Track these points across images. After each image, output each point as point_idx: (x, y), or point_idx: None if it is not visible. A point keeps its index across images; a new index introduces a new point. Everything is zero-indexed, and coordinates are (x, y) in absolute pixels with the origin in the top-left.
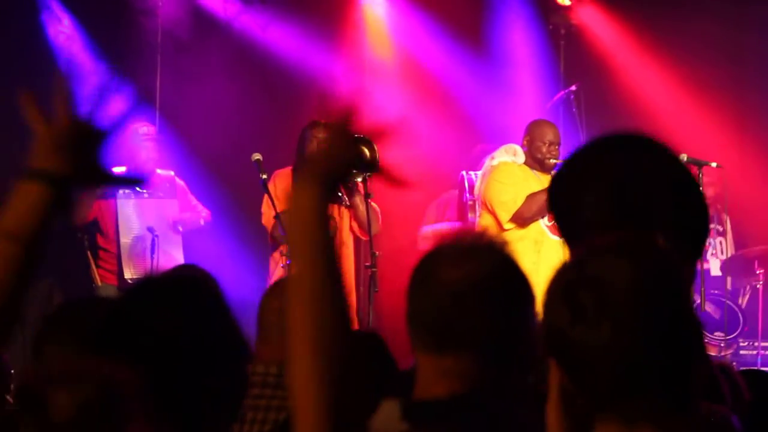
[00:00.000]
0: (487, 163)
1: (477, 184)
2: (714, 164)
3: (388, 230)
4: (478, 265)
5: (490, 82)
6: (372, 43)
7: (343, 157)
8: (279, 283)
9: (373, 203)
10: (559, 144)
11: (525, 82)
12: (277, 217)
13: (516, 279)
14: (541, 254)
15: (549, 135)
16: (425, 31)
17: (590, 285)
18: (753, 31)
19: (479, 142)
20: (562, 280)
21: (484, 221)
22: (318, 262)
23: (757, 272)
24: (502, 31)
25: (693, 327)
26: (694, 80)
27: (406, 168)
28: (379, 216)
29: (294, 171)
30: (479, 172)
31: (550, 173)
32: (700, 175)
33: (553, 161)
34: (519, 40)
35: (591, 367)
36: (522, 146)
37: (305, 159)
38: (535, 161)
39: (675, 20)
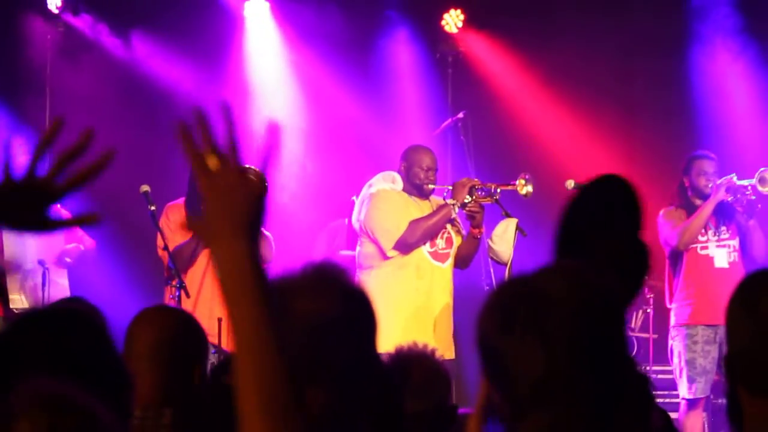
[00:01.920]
0: (365, 191)
1: (355, 212)
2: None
3: (279, 258)
4: (328, 297)
5: (379, 110)
6: (258, 69)
7: (245, 197)
8: (149, 311)
9: (265, 231)
10: (436, 169)
11: (413, 110)
12: (166, 249)
13: (366, 312)
14: (423, 280)
15: (426, 161)
16: (312, 58)
17: (524, 298)
18: (640, 54)
19: (368, 170)
20: (500, 292)
21: (366, 249)
22: (260, 326)
23: (648, 297)
24: (390, 60)
25: (619, 349)
26: (581, 107)
27: (297, 196)
28: (272, 243)
29: (186, 203)
30: (357, 200)
31: (428, 199)
32: None
33: (431, 186)
34: (406, 68)
35: (514, 378)
36: (399, 172)
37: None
38: (413, 187)
39: (561, 48)
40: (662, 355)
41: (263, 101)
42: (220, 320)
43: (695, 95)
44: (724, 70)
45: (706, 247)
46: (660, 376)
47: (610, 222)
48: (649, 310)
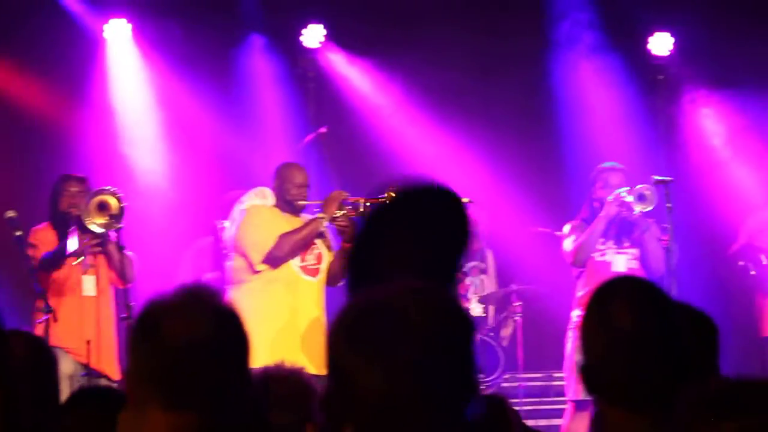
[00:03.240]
0: (237, 208)
1: (227, 229)
2: (465, 200)
3: (144, 280)
4: (201, 320)
5: (241, 127)
6: (120, 89)
7: None
8: None
9: (128, 252)
10: (308, 186)
11: (275, 126)
12: (35, 270)
13: (237, 331)
14: (296, 296)
15: (298, 177)
16: (174, 77)
17: (375, 317)
18: (501, 67)
19: (232, 187)
20: (352, 308)
21: (236, 264)
22: None
23: (515, 304)
24: (251, 76)
25: (466, 374)
26: (442, 120)
27: (161, 215)
28: (134, 264)
29: (51, 225)
30: (230, 216)
31: (299, 215)
32: None
33: (302, 203)
34: (268, 83)
35: (357, 398)
36: (272, 189)
37: (60, 213)
38: (285, 203)
39: (421, 62)
40: (532, 362)
41: (126, 122)
42: (89, 342)
43: (559, 103)
44: (585, 82)
45: (604, 254)
46: (530, 384)
47: (426, 239)
48: (517, 318)
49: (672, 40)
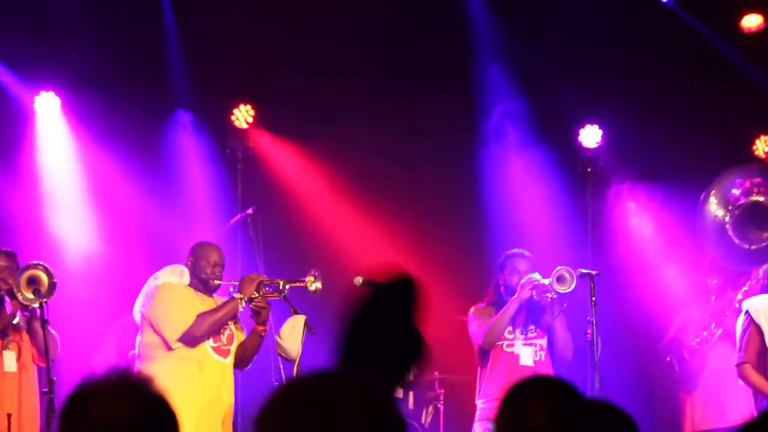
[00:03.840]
0: (150, 282)
1: (138, 303)
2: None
3: (68, 356)
4: (128, 403)
5: (168, 205)
6: (50, 170)
7: None
8: None
9: (51, 329)
10: (223, 266)
11: (202, 205)
12: None
13: (164, 416)
14: (205, 374)
15: (213, 256)
16: (101, 153)
17: (310, 404)
18: (427, 154)
19: (158, 266)
20: (285, 392)
21: (148, 339)
22: None
23: (438, 393)
24: (179, 154)
25: None
26: (370, 204)
27: (85, 292)
28: (58, 341)
29: None
30: (142, 290)
31: (212, 294)
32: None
33: (217, 282)
34: (196, 163)
35: None
36: (187, 266)
37: None
38: (199, 282)
39: (349, 145)
40: None
41: (53, 195)
42: (9, 416)
43: (486, 192)
44: (514, 169)
45: (512, 345)
46: None
47: (398, 323)
48: (440, 405)
49: (600, 132)
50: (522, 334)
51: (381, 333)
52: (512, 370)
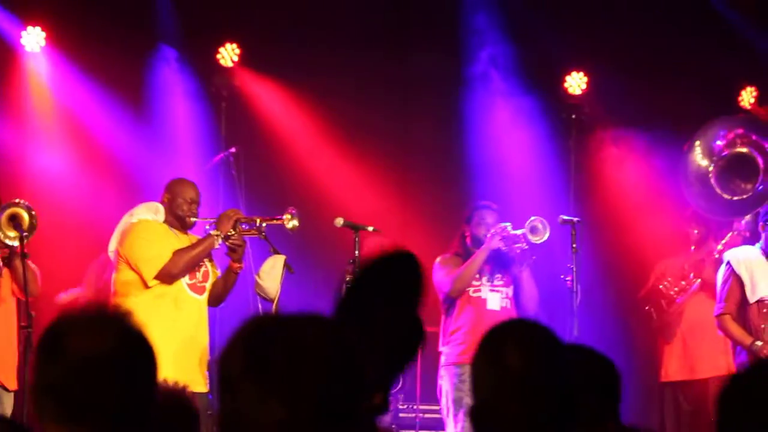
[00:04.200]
0: (126, 219)
1: (113, 239)
2: (371, 228)
3: (47, 291)
4: (105, 336)
5: (151, 144)
6: (35, 104)
7: None
8: None
9: (31, 264)
10: (199, 203)
11: (186, 144)
12: None
13: (142, 350)
14: (181, 311)
15: (190, 193)
16: (87, 93)
17: (278, 342)
18: (416, 96)
19: (139, 202)
20: (251, 330)
21: (124, 276)
22: None
23: None
24: (162, 92)
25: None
26: (355, 146)
27: (65, 227)
28: (38, 276)
29: None
30: (117, 227)
31: (188, 232)
32: (356, 239)
33: (193, 219)
34: (180, 101)
35: (250, 422)
36: (162, 203)
37: None
38: (176, 219)
39: (336, 86)
40: (430, 394)
41: (36, 132)
42: None
43: (471, 140)
44: (499, 117)
45: (479, 290)
46: (427, 416)
47: (394, 299)
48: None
49: (585, 79)
50: (489, 281)
51: (378, 320)
52: (480, 315)
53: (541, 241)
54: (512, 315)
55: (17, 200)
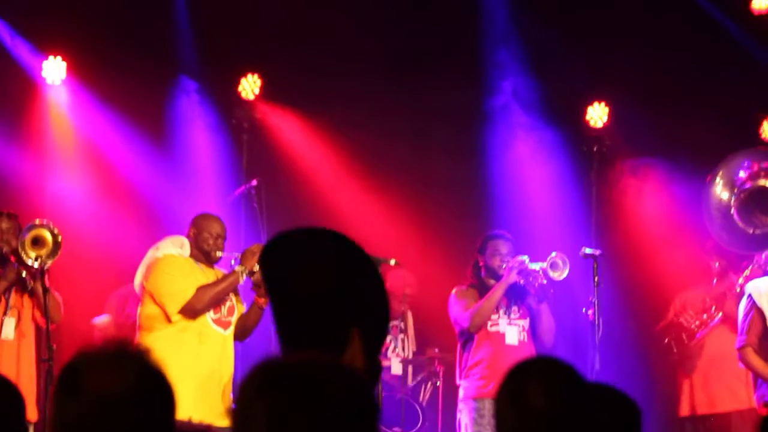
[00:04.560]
0: (151, 253)
1: (139, 273)
2: (392, 261)
3: (68, 321)
4: (123, 374)
5: (172, 176)
6: (56, 135)
7: None
8: None
9: (55, 292)
10: (225, 238)
11: (207, 176)
12: None
13: (160, 389)
14: (204, 345)
15: (216, 228)
16: (108, 124)
17: (264, 389)
18: (436, 128)
19: (162, 236)
20: (264, 369)
21: (148, 310)
22: None
23: (437, 370)
24: (184, 124)
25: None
26: (376, 179)
27: (89, 259)
28: (61, 304)
29: None
30: (143, 261)
31: (214, 266)
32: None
33: (219, 254)
34: (201, 133)
35: None
36: (188, 238)
37: None
38: (201, 253)
39: (357, 119)
40: (450, 428)
41: (59, 165)
42: None
43: (492, 173)
44: (520, 150)
45: (496, 324)
46: None
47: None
48: (438, 383)
49: (607, 110)
50: (506, 314)
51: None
52: (498, 350)
53: (561, 277)
54: (530, 349)
55: (40, 221)
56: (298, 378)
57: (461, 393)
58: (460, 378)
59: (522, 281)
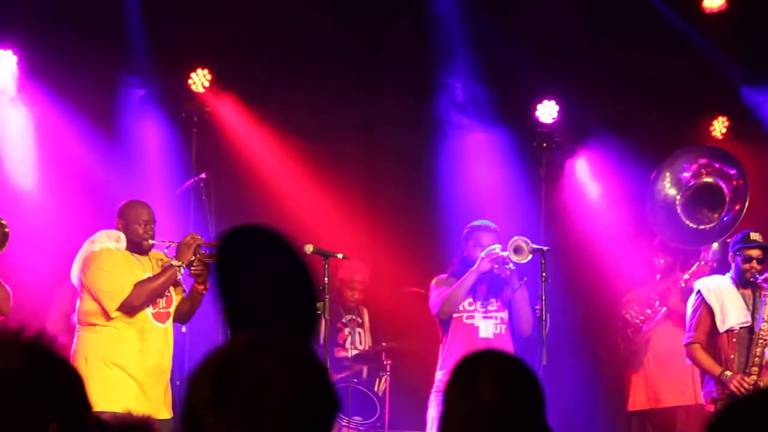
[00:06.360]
0: (87, 246)
1: (75, 267)
2: (340, 255)
3: (18, 313)
4: (13, 354)
5: (122, 168)
6: (2, 122)
7: None
8: None
9: (5, 284)
10: (154, 223)
11: (156, 169)
12: None
13: (53, 368)
14: (146, 341)
15: (143, 215)
16: (58, 116)
17: (241, 374)
18: (385, 123)
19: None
20: (215, 361)
21: (87, 306)
22: None
23: (385, 363)
24: (134, 117)
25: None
26: (326, 173)
27: (35, 252)
28: (10, 296)
29: None
30: (78, 254)
31: (148, 254)
32: (326, 266)
33: (151, 241)
34: (151, 126)
35: None
36: (118, 230)
37: None
38: (133, 244)
39: (307, 113)
40: (398, 421)
41: (5, 155)
42: None
43: (441, 170)
44: (469, 148)
45: (472, 317)
46: None
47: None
48: (386, 376)
49: (557, 108)
50: (482, 306)
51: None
52: (471, 343)
53: (525, 261)
54: (506, 343)
55: None
56: (249, 380)
57: (436, 384)
58: (438, 368)
59: (496, 267)
